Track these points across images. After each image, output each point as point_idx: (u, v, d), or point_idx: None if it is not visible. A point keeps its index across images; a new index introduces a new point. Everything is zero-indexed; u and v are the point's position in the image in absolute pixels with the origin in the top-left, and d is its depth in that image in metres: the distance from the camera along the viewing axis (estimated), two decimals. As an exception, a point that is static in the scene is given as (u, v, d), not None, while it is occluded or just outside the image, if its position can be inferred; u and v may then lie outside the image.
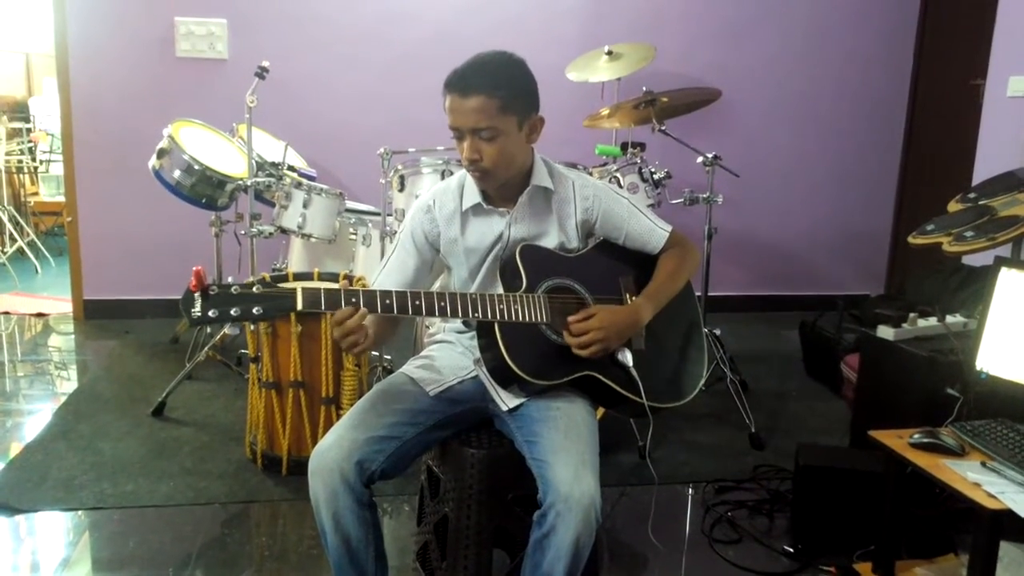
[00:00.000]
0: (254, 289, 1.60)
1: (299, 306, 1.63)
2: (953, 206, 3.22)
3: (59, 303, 4.96)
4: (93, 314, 4.65)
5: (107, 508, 2.64)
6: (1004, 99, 3.91)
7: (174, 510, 2.65)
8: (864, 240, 5.23)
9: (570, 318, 1.86)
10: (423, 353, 2.10)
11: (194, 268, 1.55)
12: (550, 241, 1.99)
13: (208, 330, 3.85)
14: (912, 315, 2.78)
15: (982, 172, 3.97)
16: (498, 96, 1.80)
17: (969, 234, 2.86)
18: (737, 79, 4.79)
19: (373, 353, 3.45)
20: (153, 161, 3.55)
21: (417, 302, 1.74)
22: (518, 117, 1.86)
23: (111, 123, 4.44)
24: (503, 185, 1.94)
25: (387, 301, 1.72)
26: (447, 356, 2.05)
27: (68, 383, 3.80)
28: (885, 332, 2.75)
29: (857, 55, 4.98)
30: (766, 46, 4.88)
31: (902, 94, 5.08)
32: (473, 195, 1.96)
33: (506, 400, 1.90)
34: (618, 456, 3.02)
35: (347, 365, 2.83)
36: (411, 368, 2.02)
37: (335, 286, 1.68)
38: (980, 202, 3.11)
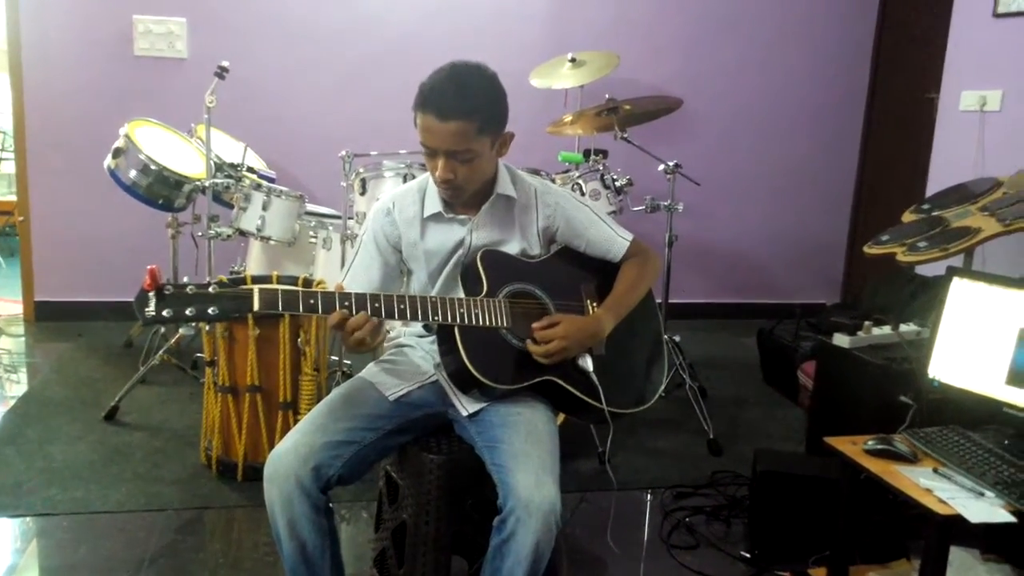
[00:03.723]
0: (210, 289, 1.58)
1: (256, 307, 1.60)
2: (907, 216, 3.29)
3: (9, 304, 4.84)
4: (44, 316, 4.54)
5: (56, 514, 2.58)
6: (957, 113, 4.00)
7: (126, 516, 2.60)
8: (821, 249, 5.31)
9: (534, 325, 1.86)
10: (383, 357, 2.09)
11: (148, 267, 1.52)
12: (512, 248, 1.99)
13: (163, 330, 3.78)
14: (867, 323, 2.82)
15: (936, 184, 4.05)
16: (477, 120, 1.79)
17: (922, 244, 2.92)
18: (698, 89, 4.83)
19: (332, 357, 3.41)
20: (109, 161, 3.48)
21: (376, 304, 1.73)
22: (492, 137, 1.86)
23: (65, 121, 4.35)
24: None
25: (346, 303, 1.70)
26: (407, 360, 2.04)
27: (17, 386, 3.71)
28: (841, 340, 2.79)
29: (815, 68, 5.06)
30: (727, 57, 4.94)
31: (859, 106, 5.17)
32: (434, 203, 1.95)
33: (466, 405, 1.90)
34: (578, 462, 3.03)
35: (305, 370, 2.79)
36: (371, 372, 2.01)
37: (293, 288, 1.67)
38: (933, 213, 3.18)
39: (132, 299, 1.55)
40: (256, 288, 1.61)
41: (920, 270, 3.62)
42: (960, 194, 3.27)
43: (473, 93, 1.80)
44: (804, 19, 4.97)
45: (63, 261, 4.50)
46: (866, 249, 3.14)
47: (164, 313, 1.55)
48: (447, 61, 1.88)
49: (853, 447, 2.08)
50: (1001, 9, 3.77)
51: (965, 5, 4.01)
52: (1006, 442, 2.04)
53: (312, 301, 1.67)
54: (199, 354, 3.60)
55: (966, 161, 3.86)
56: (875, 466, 2.00)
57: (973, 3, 3.94)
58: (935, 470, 1.96)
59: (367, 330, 1.69)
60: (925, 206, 3.29)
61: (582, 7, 4.73)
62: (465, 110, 1.77)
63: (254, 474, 2.78)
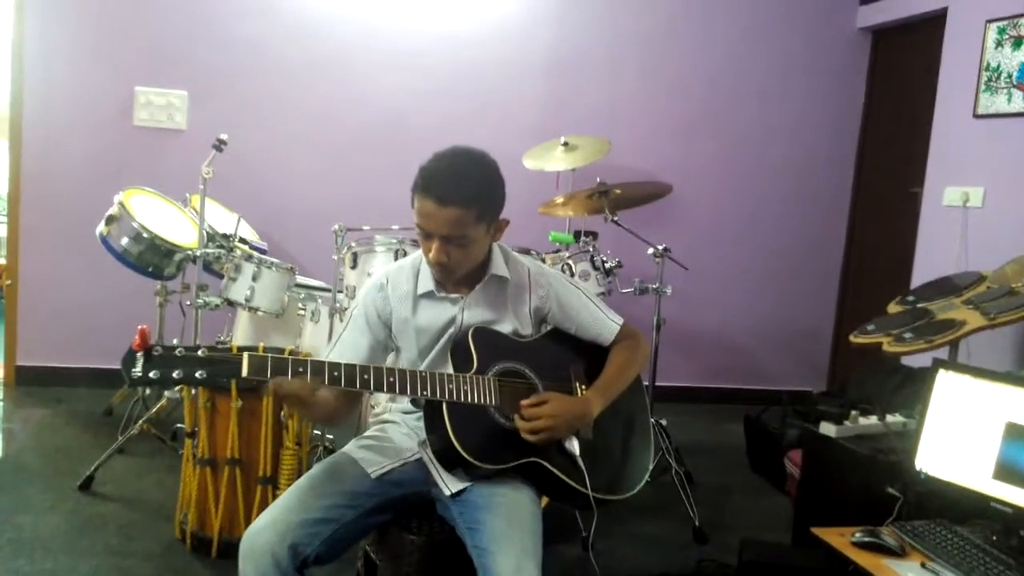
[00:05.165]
0: (199, 352, 1.57)
1: (245, 372, 1.59)
2: (893, 308, 3.32)
3: (-10, 368, 4.77)
4: (25, 381, 4.48)
5: (21, 587, 2.51)
6: (940, 208, 4.09)
7: (94, 592, 2.52)
8: (807, 337, 5.33)
9: (523, 402, 1.85)
10: (367, 433, 2.07)
11: (139, 327, 1.52)
12: (504, 327, 1.99)
13: (146, 392, 3.72)
14: (854, 413, 2.82)
15: (920, 276, 4.11)
16: (475, 208, 1.82)
17: (908, 335, 2.94)
18: (688, 176, 4.92)
19: (315, 432, 3.37)
20: (101, 227, 3.50)
21: (366, 376, 1.72)
22: (488, 224, 1.88)
23: (61, 187, 4.37)
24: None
25: (335, 373, 1.70)
26: (391, 437, 2.01)
27: (-9, 452, 3.64)
28: (827, 429, 2.78)
29: (803, 159, 5.16)
30: (716, 146, 5.05)
31: (845, 198, 5.27)
32: (427, 281, 1.97)
33: (449, 484, 1.87)
34: (561, 547, 2.97)
35: (287, 444, 2.75)
36: (353, 448, 1.98)
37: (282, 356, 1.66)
38: (918, 305, 3.21)
39: (115, 366, 1.54)
40: (246, 354, 1.60)
41: (906, 361, 3.63)
42: (945, 287, 3.32)
43: (474, 182, 1.83)
44: (792, 111, 5.10)
45: (48, 326, 4.47)
46: (852, 338, 3.16)
47: (151, 374, 1.53)
48: (442, 141, 1.91)
49: (840, 539, 2.06)
50: (980, 111, 3.90)
51: (946, 105, 4.15)
52: (994, 538, 2.02)
53: (301, 369, 1.66)
54: (179, 425, 3.55)
55: (950, 254, 3.93)
56: (862, 559, 1.97)
57: (954, 104, 4.07)
58: (923, 565, 1.93)
59: (296, 400, 1.67)
60: (910, 298, 3.33)
61: (576, 94, 4.85)
62: (464, 198, 1.80)
63: (229, 550, 2.70)
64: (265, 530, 1.70)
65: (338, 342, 2.01)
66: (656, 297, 3.54)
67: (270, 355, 1.63)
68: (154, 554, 2.76)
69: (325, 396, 1.80)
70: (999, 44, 3.83)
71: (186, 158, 4.08)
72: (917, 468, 2.19)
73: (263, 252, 3.75)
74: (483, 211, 1.84)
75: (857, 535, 2.04)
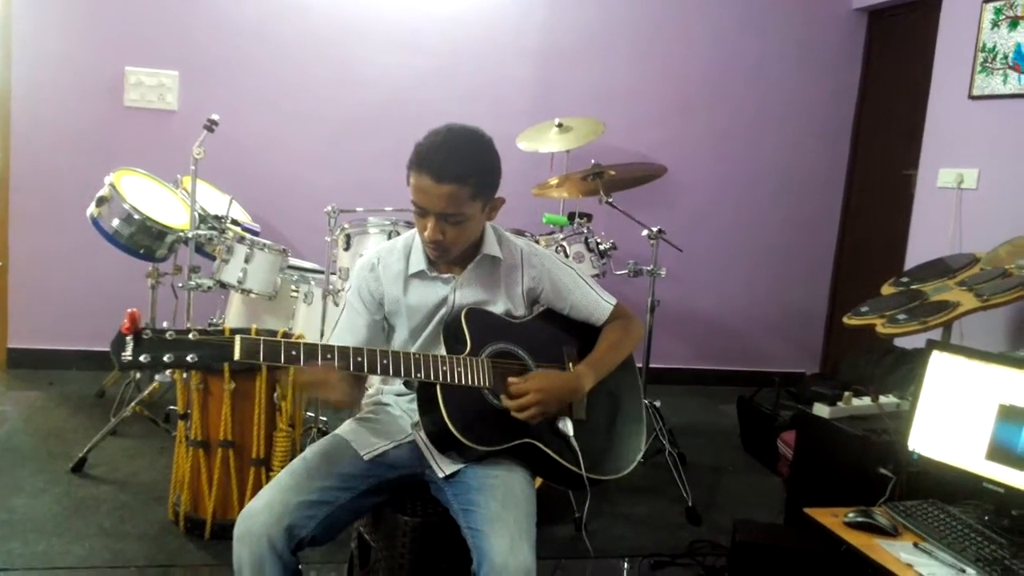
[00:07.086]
0: (190, 336, 1.55)
1: (237, 355, 1.58)
2: (886, 289, 3.32)
3: (-19, 351, 4.75)
4: (16, 363, 4.46)
5: (15, 570, 2.50)
6: (934, 189, 4.09)
7: (88, 573, 2.52)
8: (800, 319, 5.34)
9: (509, 379, 1.84)
10: (359, 415, 2.06)
11: (128, 310, 1.50)
12: (496, 308, 1.98)
13: (138, 376, 3.71)
14: (847, 394, 2.83)
15: (914, 257, 4.11)
16: (471, 185, 1.81)
17: (902, 317, 2.95)
18: (682, 157, 4.90)
19: (308, 413, 3.37)
20: (92, 209, 3.47)
21: (359, 358, 1.72)
22: (484, 202, 1.87)
23: (51, 169, 4.34)
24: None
25: (328, 356, 1.69)
26: (384, 419, 2.01)
27: (-17, 435, 3.63)
28: (821, 410, 2.79)
29: (797, 140, 5.15)
30: (710, 128, 5.03)
31: (838, 180, 5.26)
32: (419, 261, 1.96)
33: (443, 466, 1.87)
34: (554, 527, 2.98)
35: (280, 426, 2.75)
36: (346, 430, 1.98)
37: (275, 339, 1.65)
38: (912, 286, 3.21)
39: (107, 348, 1.52)
40: (238, 336, 1.59)
41: (899, 342, 3.64)
42: (938, 268, 3.32)
43: (470, 158, 1.82)
44: (786, 92, 5.08)
45: (39, 308, 4.45)
46: (846, 320, 3.16)
47: (141, 358, 1.52)
48: (436, 122, 1.90)
49: (833, 519, 2.06)
50: (976, 92, 3.89)
51: (941, 86, 4.13)
52: (986, 518, 2.03)
53: (294, 352, 1.65)
54: (172, 407, 3.54)
55: (944, 236, 3.93)
56: (855, 539, 1.98)
57: (949, 85, 4.06)
58: (916, 545, 1.94)
59: (330, 384, 1.66)
60: (904, 279, 3.33)
61: (570, 75, 4.81)
62: (460, 174, 1.79)
63: (222, 532, 2.70)
64: (261, 513, 1.70)
65: (336, 327, 2.00)
66: (650, 279, 3.54)
67: (263, 338, 1.62)
68: (147, 536, 2.76)
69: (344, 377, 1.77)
70: (995, 24, 3.81)
71: (177, 139, 4.05)
72: (910, 449, 2.19)
73: (255, 234, 3.73)
74: (479, 188, 1.83)
75: (850, 515, 2.04)
